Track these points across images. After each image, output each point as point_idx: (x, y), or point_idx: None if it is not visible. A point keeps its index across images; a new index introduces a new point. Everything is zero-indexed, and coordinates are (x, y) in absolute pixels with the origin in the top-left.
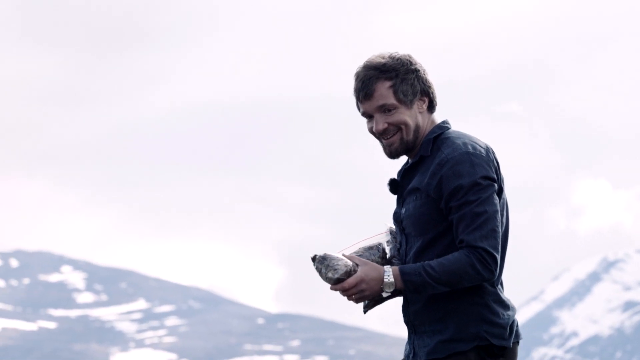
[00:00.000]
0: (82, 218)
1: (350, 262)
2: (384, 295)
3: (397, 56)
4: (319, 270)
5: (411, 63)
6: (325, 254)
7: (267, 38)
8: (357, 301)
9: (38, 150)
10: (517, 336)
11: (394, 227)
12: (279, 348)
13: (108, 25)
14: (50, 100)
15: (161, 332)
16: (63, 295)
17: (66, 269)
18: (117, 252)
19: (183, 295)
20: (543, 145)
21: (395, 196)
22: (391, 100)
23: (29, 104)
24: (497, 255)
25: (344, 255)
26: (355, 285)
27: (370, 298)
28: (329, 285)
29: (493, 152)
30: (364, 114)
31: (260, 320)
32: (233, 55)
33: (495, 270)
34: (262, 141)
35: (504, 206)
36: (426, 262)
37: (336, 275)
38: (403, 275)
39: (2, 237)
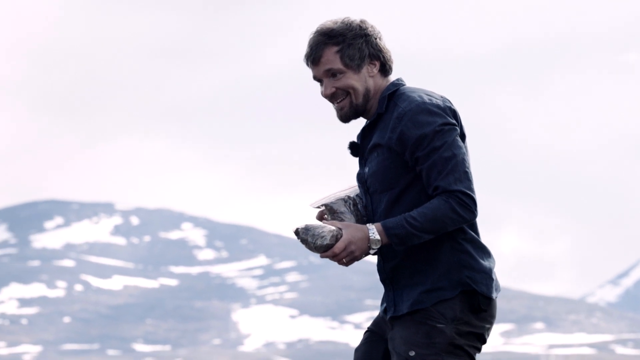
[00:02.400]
0: (201, 175)
1: (333, 227)
2: (372, 252)
3: (347, 21)
4: (305, 241)
5: (360, 28)
6: (306, 224)
7: None
8: (348, 263)
9: (156, 108)
10: (498, 287)
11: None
12: None
13: None
14: (168, 59)
15: (282, 288)
16: (184, 253)
17: (187, 226)
18: (237, 209)
19: (303, 251)
20: None
21: (357, 159)
22: (338, 65)
23: (146, 64)
24: (474, 196)
25: (324, 221)
26: (345, 248)
27: (360, 258)
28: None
29: (450, 102)
30: (315, 78)
31: None
32: (349, 10)
33: (476, 210)
34: None
35: (467, 152)
36: (407, 213)
37: (325, 242)
38: (387, 229)
39: (123, 196)
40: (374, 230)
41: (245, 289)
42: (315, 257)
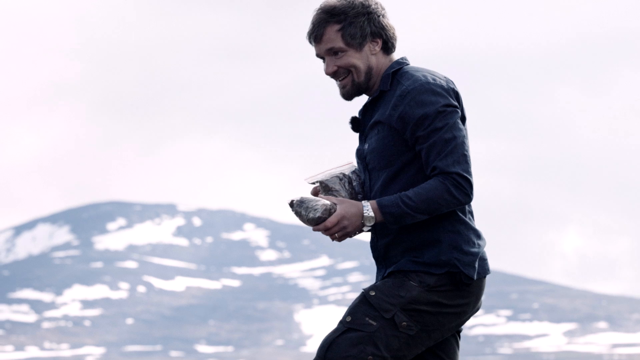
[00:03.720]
0: (263, 175)
1: (328, 202)
2: (365, 229)
3: None
4: (299, 214)
5: (363, 5)
6: (302, 197)
7: None
8: (340, 239)
9: (217, 109)
10: (486, 270)
11: (356, 165)
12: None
13: None
14: (228, 60)
15: (344, 288)
16: (246, 253)
17: (249, 226)
18: None
19: (365, 251)
20: None
21: (358, 134)
22: (339, 43)
23: (207, 65)
24: (471, 179)
25: (319, 196)
26: (337, 222)
27: (353, 234)
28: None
29: (453, 83)
30: (317, 56)
31: None
32: (421, 9)
33: (471, 193)
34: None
35: (467, 135)
36: (403, 192)
37: (317, 214)
38: (382, 207)
39: (185, 197)
40: (368, 208)
41: (307, 290)
42: None
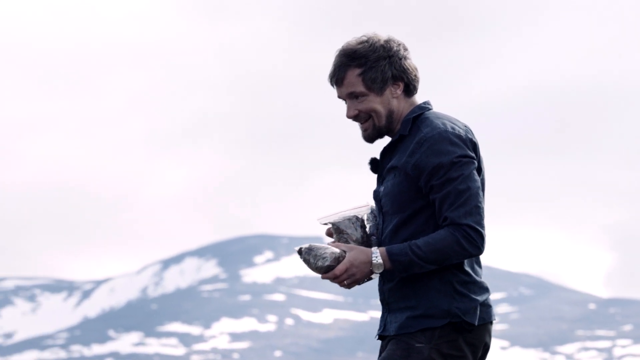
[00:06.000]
0: None
1: (337, 250)
2: (374, 277)
3: (372, 41)
4: (307, 262)
5: (384, 49)
6: (310, 244)
7: (589, 21)
8: (349, 286)
9: (363, 141)
10: (489, 316)
11: (374, 206)
12: (611, 333)
13: (432, 13)
14: None
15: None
16: None
17: None
18: None
19: (513, 282)
20: None
21: (376, 175)
22: (360, 88)
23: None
24: (482, 231)
25: (329, 244)
26: (346, 270)
27: (362, 281)
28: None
29: (472, 132)
30: (339, 98)
31: (592, 306)
32: (556, 39)
33: (482, 246)
34: (587, 125)
35: (483, 186)
36: (412, 241)
37: (326, 263)
38: (391, 255)
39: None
40: (377, 255)
41: None
42: (525, 288)
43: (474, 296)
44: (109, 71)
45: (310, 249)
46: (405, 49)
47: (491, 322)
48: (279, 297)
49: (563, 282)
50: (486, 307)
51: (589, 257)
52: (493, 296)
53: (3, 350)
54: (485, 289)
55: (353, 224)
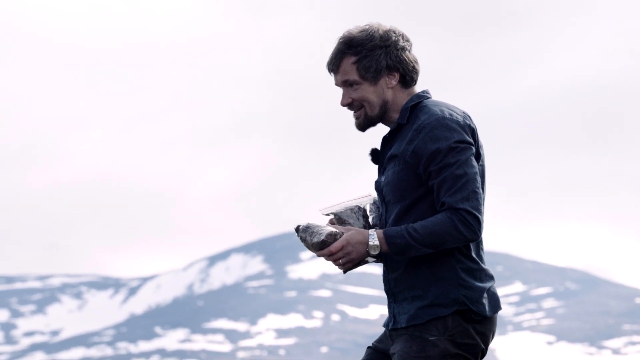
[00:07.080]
0: None
1: (334, 229)
2: (370, 260)
3: (371, 30)
4: (304, 239)
5: (382, 38)
6: (308, 223)
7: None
8: (344, 267)
9: None
10: (497, 306)
11: (377, 197)
12: None
13: (470, 6)
14: (417, 86)
15: (538, 314)
16: None
17: None
18: (492, 235)
19: (560, 277)
20: None
21: (377, 166)
22: (354, 76)
23: None
24: (479, 216)
25: (327, 224)
26: (342, 248)
27: (357, 262)
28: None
29: (470, 119)
30: (336, 85)
31: (639, 300)
32: (606, 33)
33: (479, 230)
34: (635, 119)
35: (483, 173)
36: (409, 224)
37: (321, 238)
38: (387, 237)
39: None
40: (374, 236)
41: (501, 316)
42: (571, 283)
43: (480, 284)
44: (154, 70)
45: (307, 227)
46: (406, 40)
47: (496, 312)
48: (325, 293)
49: (610, 277)
50: (493, 294)
51: (635, 251)
52: (539, 291)
53: (50, 347)
54: (490, 277)
55: (355, 213)
